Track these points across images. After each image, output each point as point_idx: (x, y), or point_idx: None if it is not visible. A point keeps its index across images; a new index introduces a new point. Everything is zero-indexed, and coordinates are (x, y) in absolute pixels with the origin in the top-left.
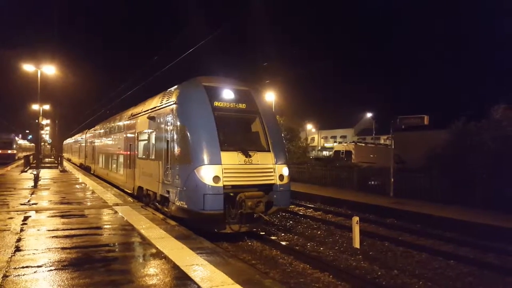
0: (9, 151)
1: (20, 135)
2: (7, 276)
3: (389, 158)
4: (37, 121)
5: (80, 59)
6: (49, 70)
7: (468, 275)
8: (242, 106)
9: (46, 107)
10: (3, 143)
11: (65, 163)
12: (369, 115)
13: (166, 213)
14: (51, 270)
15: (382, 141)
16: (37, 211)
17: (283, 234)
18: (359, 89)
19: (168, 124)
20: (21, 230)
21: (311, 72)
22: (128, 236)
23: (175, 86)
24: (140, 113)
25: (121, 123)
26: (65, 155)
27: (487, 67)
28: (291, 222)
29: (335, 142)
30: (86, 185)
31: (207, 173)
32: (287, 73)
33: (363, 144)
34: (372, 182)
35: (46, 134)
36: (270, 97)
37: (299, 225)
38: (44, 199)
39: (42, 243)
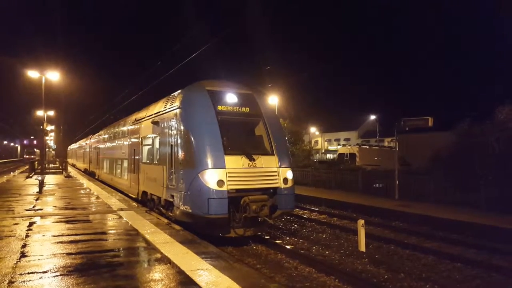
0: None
1: (25, 141)
2: (13, 282)
3: (393, 160)
4: (41, 127)
5: (84, 65)
6: (53, 76)
7: (475, 278)
8: (245, 109)
9: (51, 113)
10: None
11: (69, 169)
12: (372, 117)
13: (171, 218)
14: (56, 276)
15: (386, 144)
16: (42, 216)
17: (288, 238)
18: (362, 92)
19: (172, 128)
20: (27, 236)
21: (314, 75)
22: (133, 241)
23: (179, 91)
24: (143, 118)
25: (125, 128)
26: (70, 160)
27: (490, 68)
28: (296, 225)
29: (339, 145)
30: (90, 190)
31: (211, 177)
32: (290, 77)
33: (367, 147)
34: (377, 185)
35: (50, 140)
36: (273, 100)
37: (304, 229)
38: (49, 204)
39: (47, 248)
